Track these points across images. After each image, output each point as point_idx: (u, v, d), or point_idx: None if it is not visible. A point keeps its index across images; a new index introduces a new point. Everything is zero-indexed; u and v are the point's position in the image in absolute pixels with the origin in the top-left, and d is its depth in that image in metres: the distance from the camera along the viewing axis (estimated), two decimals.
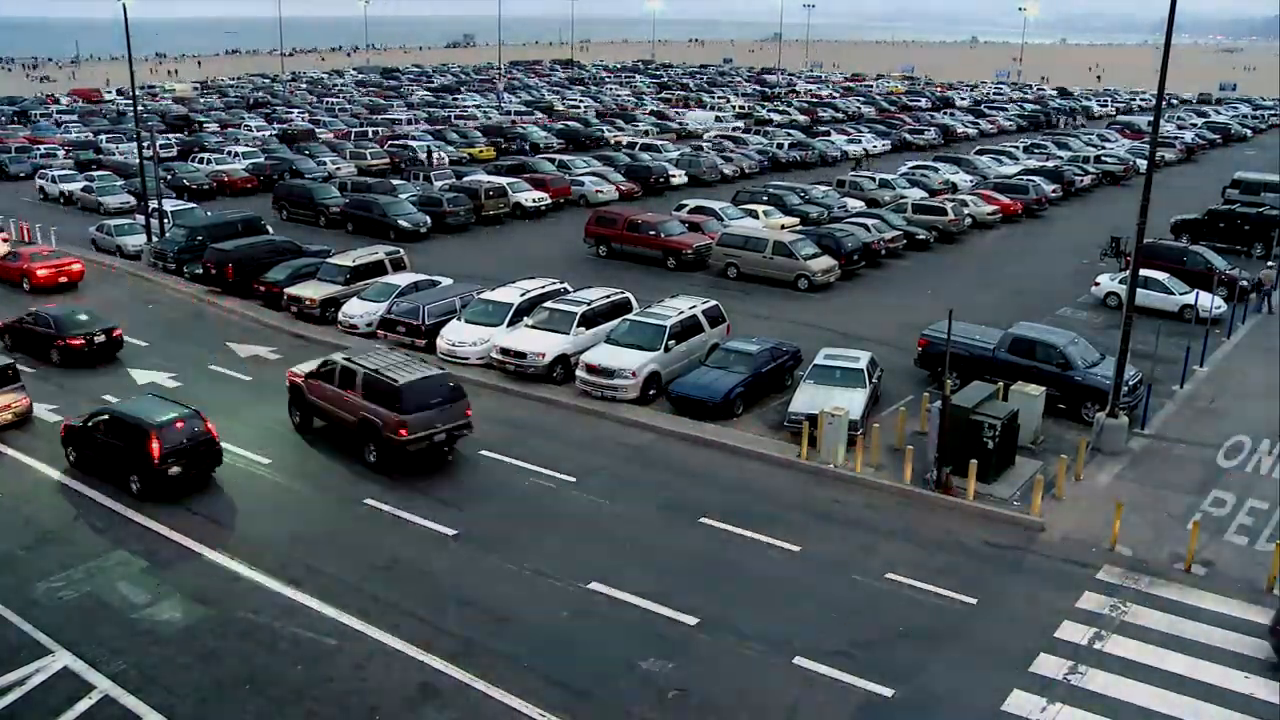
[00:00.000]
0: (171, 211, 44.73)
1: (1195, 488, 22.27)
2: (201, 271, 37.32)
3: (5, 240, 41.57)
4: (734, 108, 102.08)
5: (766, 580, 18.68)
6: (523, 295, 30.62)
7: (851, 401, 24.37)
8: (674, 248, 40.84)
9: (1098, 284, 36.87)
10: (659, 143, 72.75)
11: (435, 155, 64.68)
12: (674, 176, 59.75)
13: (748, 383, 25.96)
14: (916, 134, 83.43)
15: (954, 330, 25.00)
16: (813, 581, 18.70)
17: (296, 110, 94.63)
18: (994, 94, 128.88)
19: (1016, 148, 70.13)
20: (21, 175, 61.87)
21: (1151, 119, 25.43)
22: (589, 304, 29.51)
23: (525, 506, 21.43)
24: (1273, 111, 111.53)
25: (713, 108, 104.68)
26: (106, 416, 22.06)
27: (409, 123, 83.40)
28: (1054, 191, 56.19)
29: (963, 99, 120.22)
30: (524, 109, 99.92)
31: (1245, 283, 36.23)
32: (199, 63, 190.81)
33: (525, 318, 29.64)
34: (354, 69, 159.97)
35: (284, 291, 34.28)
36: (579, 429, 25.46)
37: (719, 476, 22.61)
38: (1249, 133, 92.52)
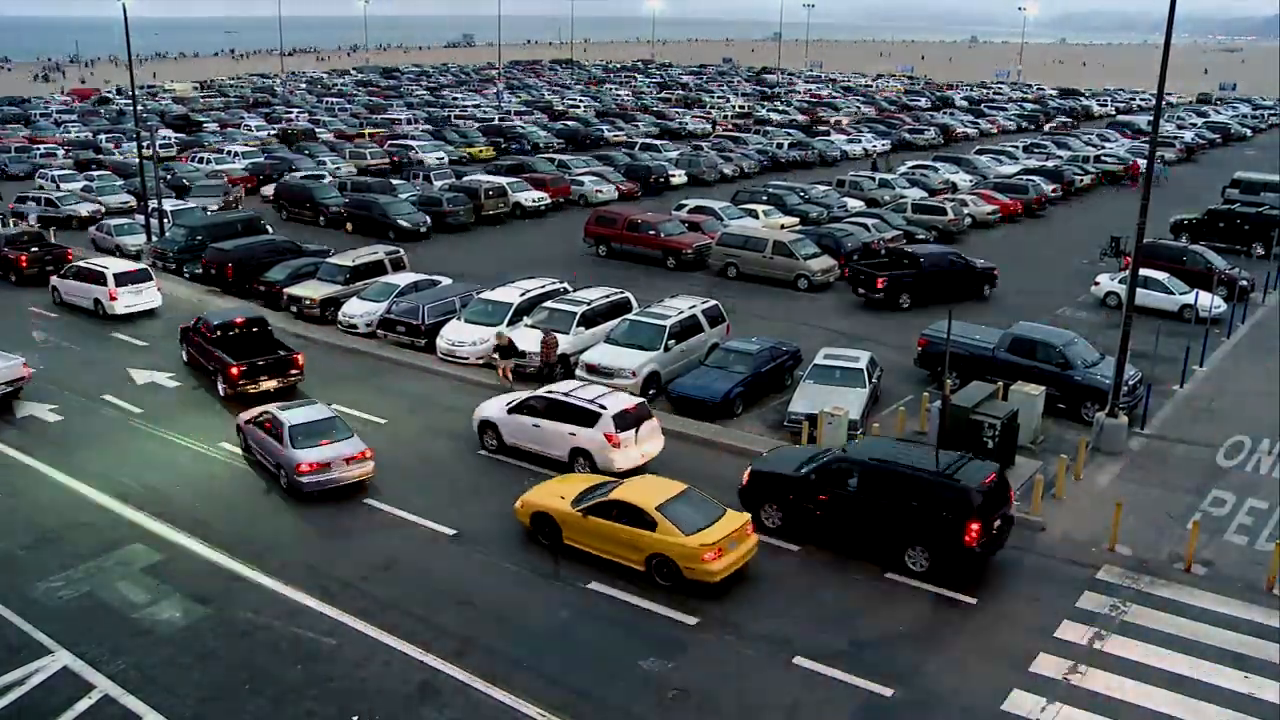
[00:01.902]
0: (171, 211, 44.74)
1: (1195, 488, 22.27)
2: (201, 271, 37.31)
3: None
4: (734, 107, 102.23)
5: (766, 580, 18.67)
6: (523, 295, 30.63)
7: (851, 401, 24.37)
8: (674, 248, 40.85)
9: (1098, 284, 36.86)
10: (659, 142, 72.80)
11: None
12: (674, 176, 59.78)
13: (748, 382, 25.96)
14: (916, 134, 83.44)
15: (954, 330, 25.01)
16: (813, 581, 18.70)
17: (296, 110, 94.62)
18: (994, 94, 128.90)
19: (1016, 147, 70.16)
20: (21, 175, 61.84)
21: (1151, 119, 25.40)
22: (589, 304, 29.52)
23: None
24: (1273, 111, 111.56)
25: (713, 108, 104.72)
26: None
27: (409, 122, 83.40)
28: (1054, 191, 56.21)
29: (963, 99, 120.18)
30: (524, 109, 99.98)
31: (1245, 282, 36.29)
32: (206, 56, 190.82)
33: (525, 317, 29.65)
34: (354, 69, 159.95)
35: (284, 291, 34.29)
36: None
37: (719, 476, 22.59)
38: (1249, 132, 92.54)
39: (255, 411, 23.53)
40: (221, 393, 27.17)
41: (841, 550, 19.53)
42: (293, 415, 22.23)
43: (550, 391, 23.14)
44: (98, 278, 34.15)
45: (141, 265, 35.56)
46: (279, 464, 21.94)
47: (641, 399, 23.26)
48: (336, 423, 22.39)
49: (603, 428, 21.84)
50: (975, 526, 17.94)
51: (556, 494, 19.83)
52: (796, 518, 19.89)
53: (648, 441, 22.55)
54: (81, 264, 35.25)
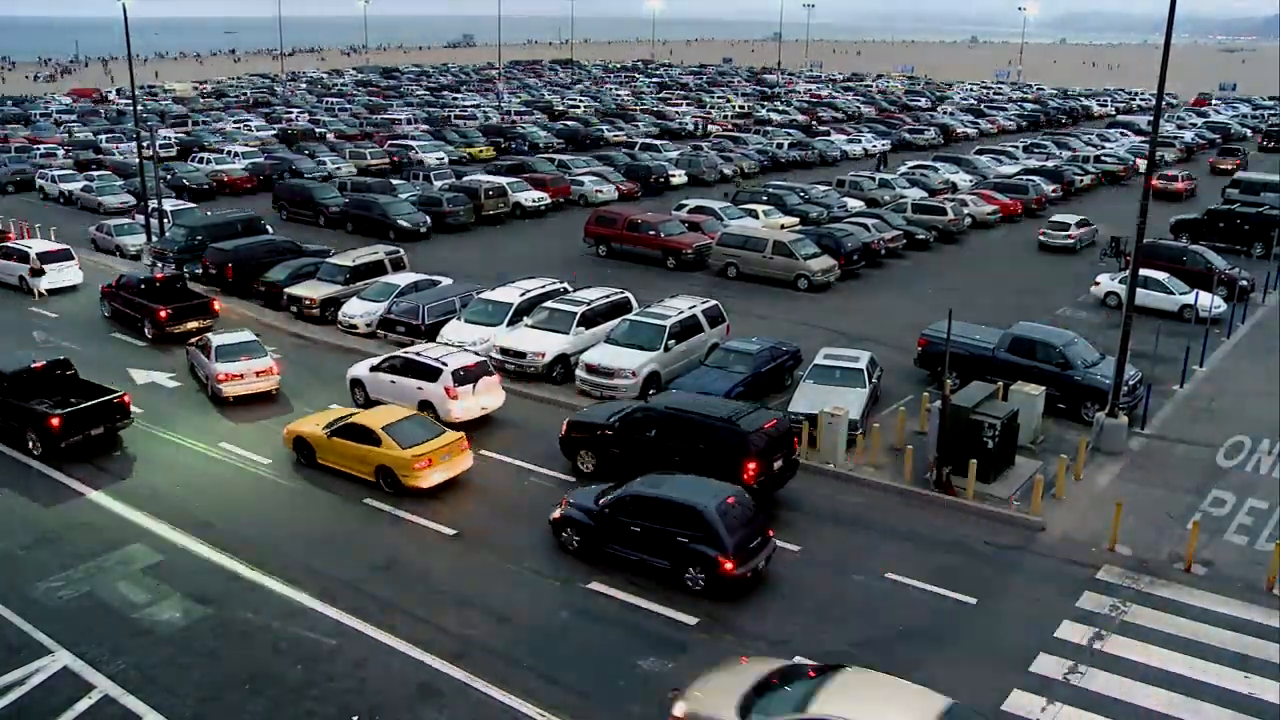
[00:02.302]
0: (171, 211, 44.74)
1: (1195, 488, 22.27)
2: (201, 271, 37.31)
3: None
4: (734, 107, 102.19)
5: (766, 580, 18.67)
6: (523, 295, 30.63)
7: (851, 401, 24.36)
8: (674, 248, 40.85)
9: (1098, 284, 36.86)
10: (658, 142, 72.78)
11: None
12: (674, 176, 59.78)
13: (748, 382, 25.91)
14: (916, 134, 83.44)
15: (954, 330, 25.01)
16: (813, 581, 18.71)
17: (296, 110, 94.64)
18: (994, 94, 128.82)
19: (1016, 147, 70.15)
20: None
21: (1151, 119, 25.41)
22: (589, 304, 29.52)
23: (525, 506, 21.43)
24: (1273, 111, 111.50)
25: (713, 107, 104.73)
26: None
27: (409, 122, 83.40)
28: (1054, 191, 56.20)
29: (963, 98, 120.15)
30: (524, 109, 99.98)
31: (1245, 282, 36.30)
32: (204, 60, 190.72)
33: (525, 317, 29.64)
34: (354, 69, 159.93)
35: (284, 291, 34.28)
36: None
37: None
38: (1249, 132, 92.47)
39: (199, 337, 28.39)
40: (149, 335, 31.61)
41: None
42: (221, 338, 27.10)
43: (405, 351, 26.16)
44: (22, 257, 37.10)
45: (64, 246, 38.39)
46: (207, 375, 26.74)
47: (483, 358, 26.03)
48: (254, 345, 27.08)
49: (443, 382, 24.61)
50: (753, 465, 20.17)
51: (314, 422, 23.18)
52: (606, 462, 22.20)
53: (486, 395, 25.29)
54: (8, 244, 38.53)
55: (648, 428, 21.62)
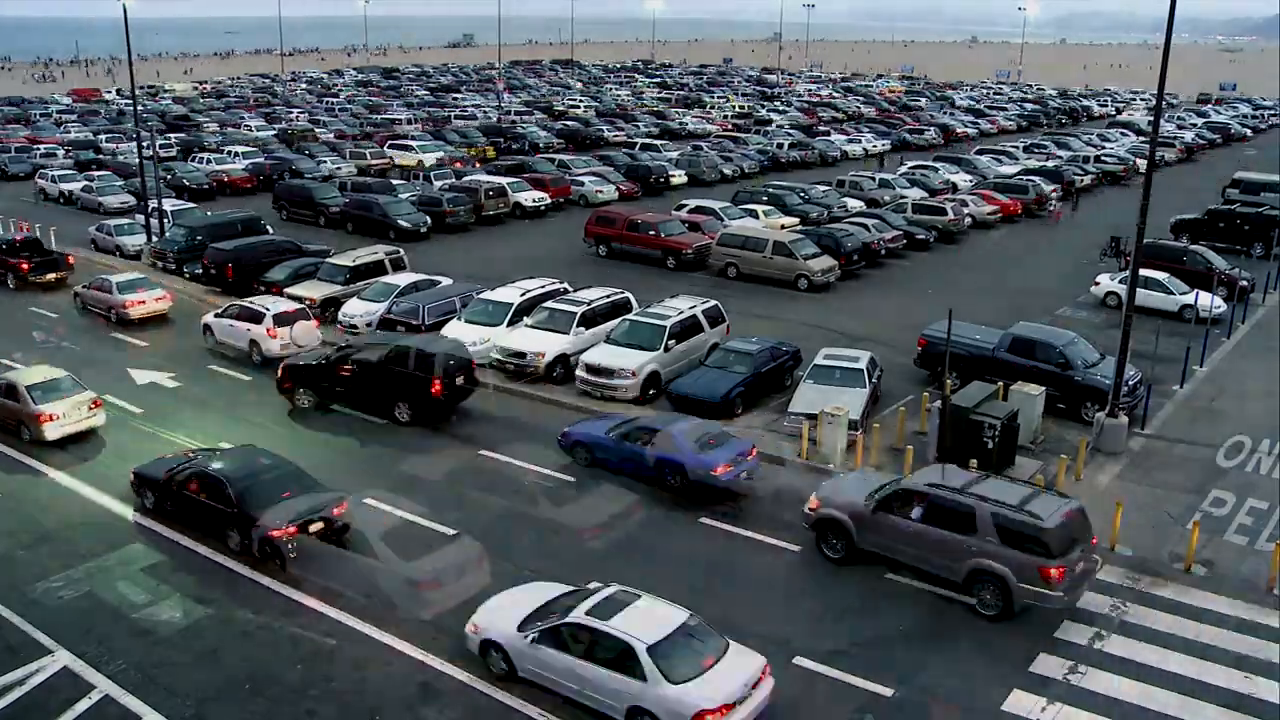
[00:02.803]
0: (171, 211, 44.74)
1: (1195, 488, 22.27)
2: (201, 271, 37.32)
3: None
4: (734, 107, 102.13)
5: (766, 580, 18.68)
6: (523, 295, 30.63)
7: (851, 401, 24.36)
8: (674, 248, 40.85)
9: (1098, 284, 36.87)
10: (659, 142, 72.74)
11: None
12: (674, 176, 59.77)
13: (748, 382, 25.94)
14: (916, 134, 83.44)
15: (954, 330, 24.98)
16: (813, 581, 18.70)
17: (296, 110, 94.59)
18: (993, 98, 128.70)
19: (1016, 148, 70.15)
20: (21, 175, 61.88)
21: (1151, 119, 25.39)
22: (589, 304, 29.51)
23: (525, 506, 21.43)
24: (1273, 111, 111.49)
25: (712, 107, 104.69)
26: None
27: (409, 122, 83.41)
28: (1054, 191, 56.18)
29: (963, 99, 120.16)
30: (524, 109, 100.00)
31: (1245, 282, 36.31)
32: (202, 63, 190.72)
33: (525, 317, 29.64)
34: (354, 69, 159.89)
35: (284, 291, 34.26)
36: None
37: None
38: (1249, 133, 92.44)
39: (92, 280, 34.97)
40: (11, 285, 37.39)
41: (358, 407, 26.28)
42: (120, 276, 33.85)
43: (240, 301, 31.37)
44: None
45: None
46: (111, 306, 33.63)
47: (302, 306, 30.98)
48: (147, 281, 34.55)
49: (265, 324, 29.55)
50: (438, 383, 24.79)
51: None
52: (327, 394, 26.34)
53: (302, 337, 29.89)
54: None
55: (344, 364, 26.18)
